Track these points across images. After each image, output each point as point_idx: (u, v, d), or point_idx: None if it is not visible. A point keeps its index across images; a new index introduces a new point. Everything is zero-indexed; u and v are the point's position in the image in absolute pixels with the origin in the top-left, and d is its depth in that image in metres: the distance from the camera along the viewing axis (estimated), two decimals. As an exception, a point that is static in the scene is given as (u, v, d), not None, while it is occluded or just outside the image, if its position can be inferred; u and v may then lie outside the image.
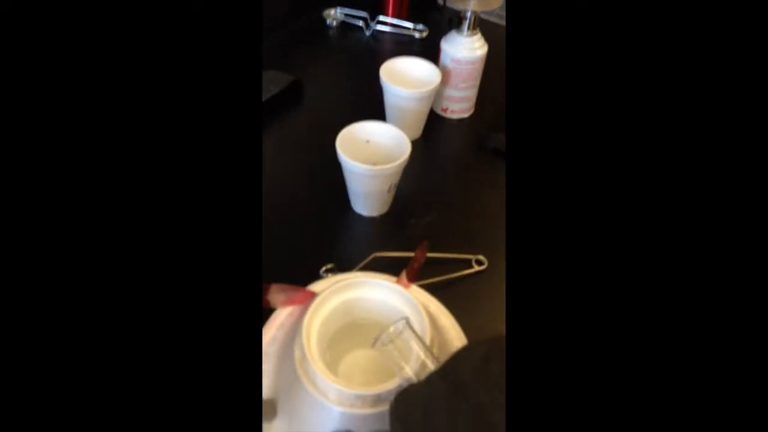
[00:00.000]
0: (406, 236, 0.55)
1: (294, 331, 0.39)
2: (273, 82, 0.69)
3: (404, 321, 0.32)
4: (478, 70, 0.66)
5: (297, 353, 0.34)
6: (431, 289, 0.46)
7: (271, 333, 0.40)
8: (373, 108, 0.67)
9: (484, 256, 0.53)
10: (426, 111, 0.65)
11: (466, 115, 0.71)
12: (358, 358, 0.40)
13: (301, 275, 0.49)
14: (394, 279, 0.44)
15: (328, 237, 0.55)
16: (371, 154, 0.56)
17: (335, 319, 0.38)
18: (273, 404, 0.35)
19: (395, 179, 0.54)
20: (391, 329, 0.32)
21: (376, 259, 0.51)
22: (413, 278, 0.42)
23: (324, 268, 0.50)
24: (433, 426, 0.24)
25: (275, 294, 0.39)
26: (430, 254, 0.52)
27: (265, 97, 0.67)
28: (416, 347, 0.31)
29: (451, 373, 0.26)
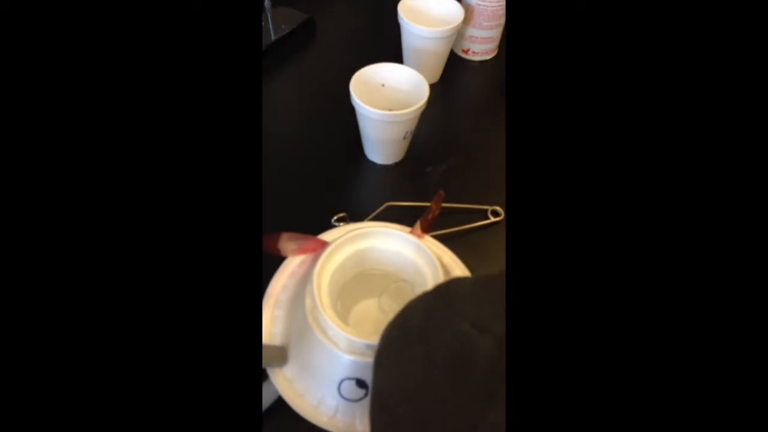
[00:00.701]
0: (420, 185, 0.54)
1: (305, 279, 0.38)
2: (284, 20, 0.66)
3: (406, 283, 0.32)
4: (504, 7, 0.62)
5: (308, 302, 0.34)
6: (445, 240, 0.45)
7: (282, 281, 0.40)
8: (390, 48, 0.63)
9: (501, 207, 0.52)
10: (446, 52, 0.61)
11: (488, 57, 0.67)
12: (369, 307, 0.40)
13: (313, 224, 0.48)
14: (407, 229, 0.43)
15: (341, 185, 0.54)
16: (387, 98, 0.53)
17: (347, 268, 0.37)
18: (284, 351, 0.35)
19: (412, 126, 0.51)
20: (393, 286, 0.31)
21: (389, 208, 0.50)
22: (427, 229, 0.41)
23: (336, 217, 0.49)
24: (409, 323, 0.26)
25: (286, 242, 0.38)
26: (445, 204, 0.50)
27: (275, 36, 0.64)
28: None
29: (432, 289, 0.28)
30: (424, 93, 0.50)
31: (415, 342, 0.25)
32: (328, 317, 0.32)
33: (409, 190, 0.53)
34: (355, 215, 0.49)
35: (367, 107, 0.48)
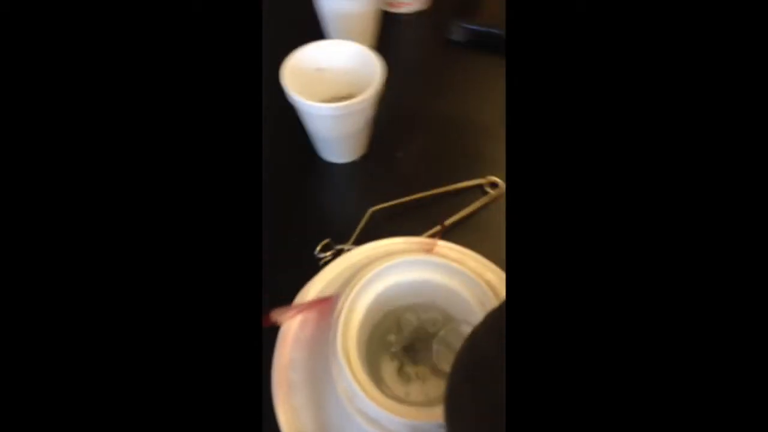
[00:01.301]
0: (397, 176, 0.45)
1: (318, 346, 0.30)
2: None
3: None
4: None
5: (342, 387, 0.26)
6: (449, 233, 0.38)
7: (286, 354, 0.31)
8: (306, 23, 0.52)
9: (496, 176, 0.45)
10: (374, 11, 0.51)
11: (423, 6, 0.58)
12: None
13: (288, 256, 0.39)
14: (412, 240, 0.35)
15: (302, 199, 0.44)
16: (330, 84, 0.44)
17: (370, 319, 0.29)
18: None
19: (372, 111, 0.42)
20: (441, 333, 0.24)
21: (373, 214, 0.42)
22: (440, 234, 0.33)
23: (319, 248, 0.39)
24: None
25: (279, 314, 0.29)
26: (435, 190, 0.43)
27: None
28: None
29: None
30: (376, 69, 0.40)
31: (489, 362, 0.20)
32: (379, 405, 0.24)
33: (385, 186, 0.44)
34: (337, 234, 0.40)
35: (315, 104, 0.39)
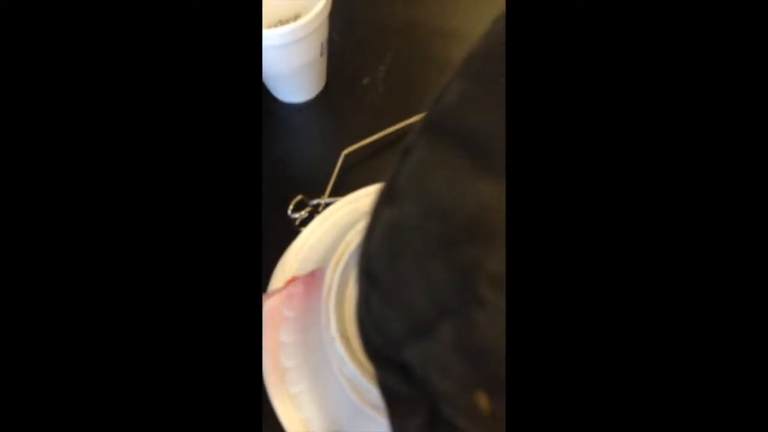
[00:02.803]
0: (368, 107, 0.39)
1: (310, 326, 0.26)
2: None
3: None
4: None
5: (346, 379, 0.22)
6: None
7: (275, 339, 0.27)
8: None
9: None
10: None
11: None
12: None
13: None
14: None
15: (263, 151, 0.38)
16: (269, 8, 0.36)
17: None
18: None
19: (325, 33, 0.35)
20: None
21: (348, 157, 0.36)
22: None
23: (292, 206, 0.34)
24: None
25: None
26: (415, 117, 0.37)
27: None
28: None
29: None
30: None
31: None
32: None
33: (356, 122, 0.38)
34: (307, 186, 0.35)
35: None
